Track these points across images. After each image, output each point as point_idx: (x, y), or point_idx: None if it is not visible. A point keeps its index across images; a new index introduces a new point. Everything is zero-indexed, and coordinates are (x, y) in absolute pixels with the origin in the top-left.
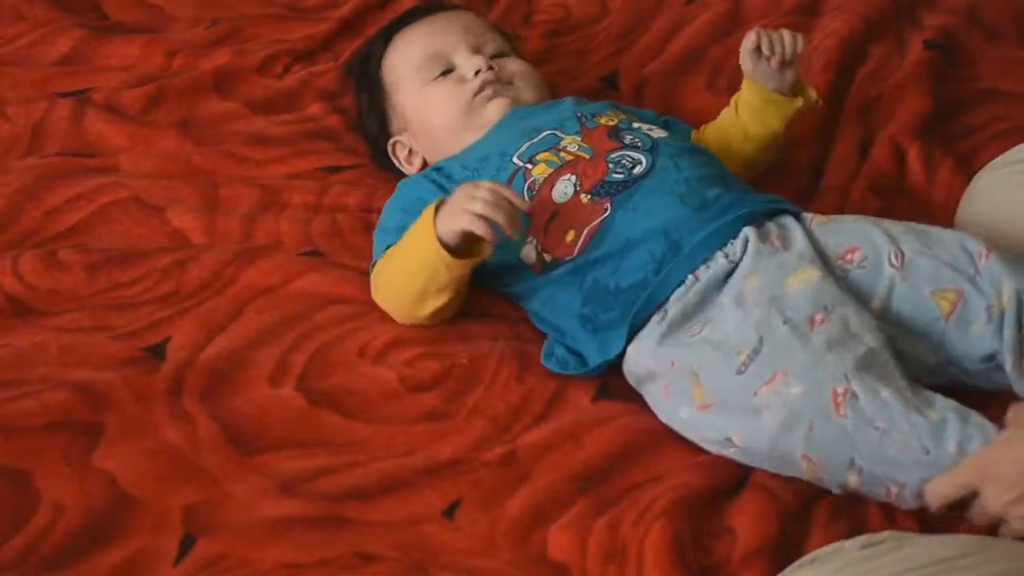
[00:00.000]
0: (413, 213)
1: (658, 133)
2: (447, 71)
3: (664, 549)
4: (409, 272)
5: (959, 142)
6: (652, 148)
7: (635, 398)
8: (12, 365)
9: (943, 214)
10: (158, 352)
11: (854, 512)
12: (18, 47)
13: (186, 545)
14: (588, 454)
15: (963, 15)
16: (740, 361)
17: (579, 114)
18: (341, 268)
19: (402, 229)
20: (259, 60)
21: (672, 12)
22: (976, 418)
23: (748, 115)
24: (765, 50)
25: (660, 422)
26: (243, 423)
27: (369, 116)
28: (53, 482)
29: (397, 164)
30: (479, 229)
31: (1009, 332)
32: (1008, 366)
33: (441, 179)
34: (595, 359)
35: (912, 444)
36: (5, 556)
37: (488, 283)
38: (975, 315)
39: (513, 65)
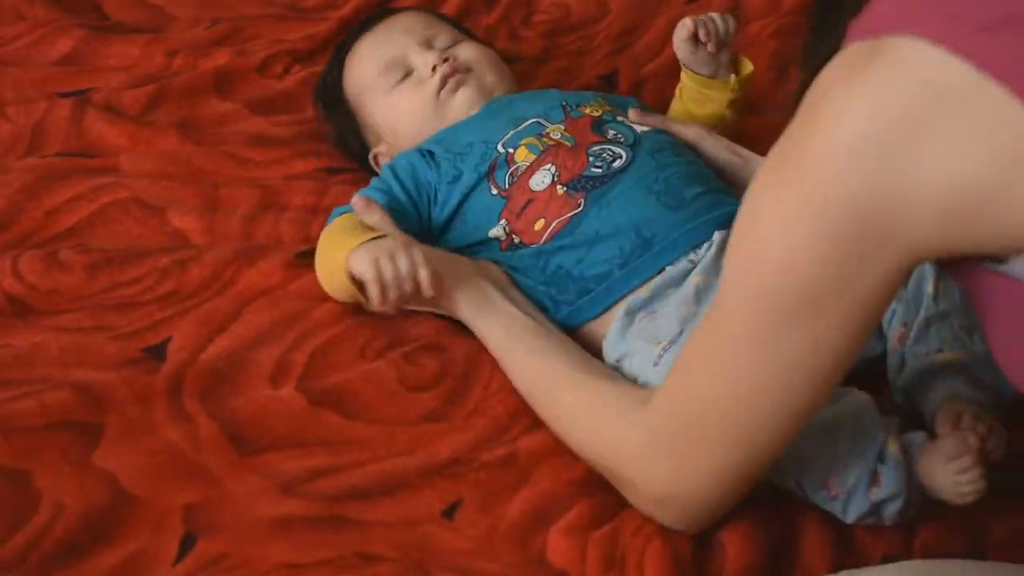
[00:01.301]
0: (397, 178)
1: (641, 128)
2: (406, 75)
3: (664, 563)
4: (328, 270)
5: None
6: (634, 143)
7: None
8: (12, 365)
9: None
10: (158, 352)
11: (842, 528)
12: (18, 47)
13: (186, 544)
14: None
15: None
16: (656, 353)
17: (564, 103)
18: None
19: (387, 192)
20: (259, 60)
21: (672, 12)
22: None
23: (692, 102)
24: (703, 37)
25: None
26: (243, 423)
27: (347, 137)
28: (53, 482)
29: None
30: (373, 292)
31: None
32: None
33: (429, 160)
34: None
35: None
36: (5, 554)
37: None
38: (895, 317)
39: (468, 51)
